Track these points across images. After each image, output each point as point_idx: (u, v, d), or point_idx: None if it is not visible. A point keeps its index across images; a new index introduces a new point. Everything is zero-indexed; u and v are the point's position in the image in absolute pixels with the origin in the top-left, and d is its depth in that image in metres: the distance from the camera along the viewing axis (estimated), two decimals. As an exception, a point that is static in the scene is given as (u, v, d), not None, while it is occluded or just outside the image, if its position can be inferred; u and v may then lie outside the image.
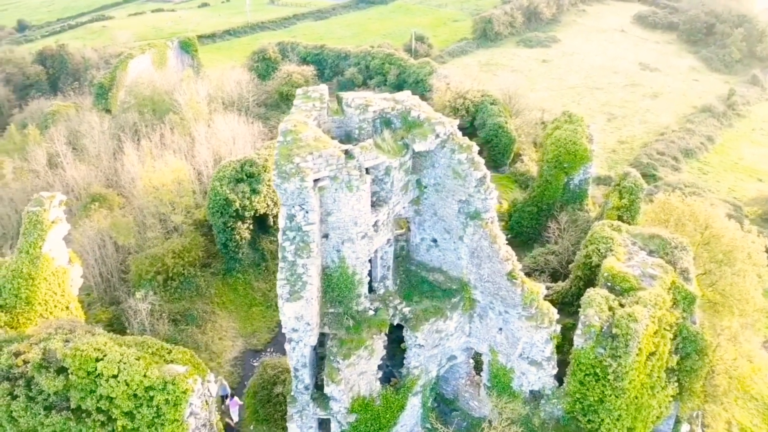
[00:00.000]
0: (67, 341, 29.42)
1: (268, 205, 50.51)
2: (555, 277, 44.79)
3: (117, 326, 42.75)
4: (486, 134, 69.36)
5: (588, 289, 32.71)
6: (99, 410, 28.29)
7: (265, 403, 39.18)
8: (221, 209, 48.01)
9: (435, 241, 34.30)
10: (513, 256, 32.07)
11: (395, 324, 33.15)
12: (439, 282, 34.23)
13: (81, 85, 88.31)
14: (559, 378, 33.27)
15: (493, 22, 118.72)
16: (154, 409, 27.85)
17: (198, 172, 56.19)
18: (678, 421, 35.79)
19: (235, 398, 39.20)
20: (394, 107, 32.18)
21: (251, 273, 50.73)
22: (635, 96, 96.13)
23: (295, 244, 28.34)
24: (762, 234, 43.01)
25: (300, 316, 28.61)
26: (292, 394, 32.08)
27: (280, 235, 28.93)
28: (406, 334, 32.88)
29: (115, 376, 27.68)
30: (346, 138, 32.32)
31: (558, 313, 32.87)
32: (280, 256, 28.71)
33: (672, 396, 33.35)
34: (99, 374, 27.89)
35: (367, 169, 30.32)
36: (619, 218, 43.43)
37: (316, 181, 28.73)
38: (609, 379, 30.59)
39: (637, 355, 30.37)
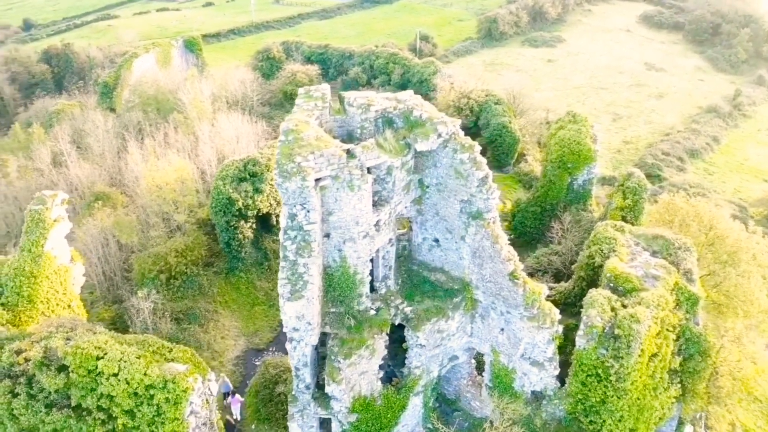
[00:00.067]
0: (68, 339, 29.48)
1: (271, 205, 50.47)
2: (558, 277, 44.64)
3: (120, 325, 42.80)
4: (490, 134, 69.20)
5: (590, 290, 32.56)
6: (99, 408, 28.32)
7: (266, 403, 39.18)
8: (224, 208, 48.02)
9: (437, 240, 34.22)
10: (515, 257, 31.95)
11: (397, 324, 33.08)
12: (441, 282, 34.15)
13: (86, 84, 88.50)
14: (562, 379, 33.15)
15: (498, 21, 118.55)
16: (155, 407, 27.85)
17: (201, 171, 56.22)
18: (681, 423, 35.61)
19: (237, 395, 39.21)
20: (396, 107, 32.11)
21: (254, 272, 50.72)
22: (640, 96, 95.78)
23: (296, 244, 28.31)
24: (767, 235, 42.76)
25: (301, 315, 28.57)
26: (293, 393, 32.08)
27: (281, 234, 28.91)
28: (408, 333, 32.82)
29: (115, 375, 27.69)
30: (348, 137, 32.25)
31: (561, 313, 32.76)
32: (281, 255, 28.68)
33: (675, 397, 33.17)
34: (99, 372, 27.91)
35: (368, 169, 30.26)
36: (623, 219, 43.24)
37: (317, 180, 28.67)
38: (611, 380, 30.45)
39: (639, 356, 30.23)
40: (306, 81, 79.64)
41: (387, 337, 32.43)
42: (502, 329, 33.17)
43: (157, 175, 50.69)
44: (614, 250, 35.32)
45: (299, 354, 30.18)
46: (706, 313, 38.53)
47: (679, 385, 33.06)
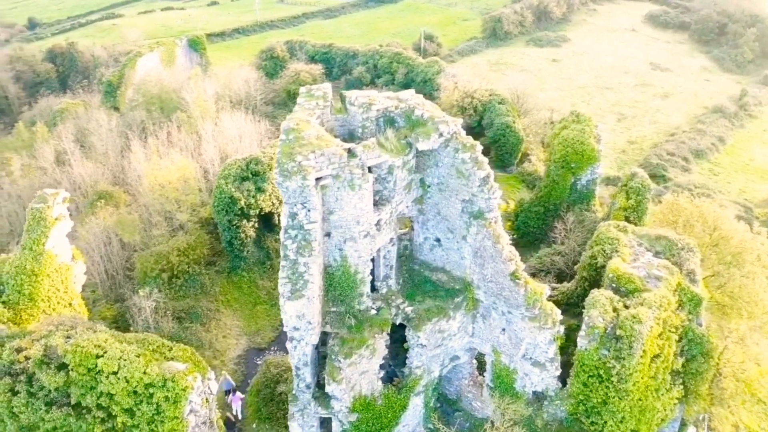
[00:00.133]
0: (68, 338, 29.47)
1: (273, 204, 50.43)
2: (561, 277, 44.47)
3: (122, 323, 42.83)
4: (494, 134, 68.96)
5: (592, 290, 32.41)
6: (99, 407, 28.29)
7: (268, 402, 39.13)
8: (226, 207, 48.00)
9: (438, 240, 34.10)
10: (516, 256, 31.82)
11: (398, 323, 32.98)
12: (442, 282, 34.05)
13: (90, 83, 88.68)
14: (563, 379, 32.99)
15: (502, 21, 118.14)
16: (154, 406, 27.81)
17: (204, 170, 56.18)
18: (684, 424, 35.43)
19: (238, 393, 39.16)
20: (397, 106, 32.04)
21: (256, 271, 50.68)
22: (646, 96, 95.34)
23: (297, 243, 28.27)
24: (772, 236, 42.51)
25: (301, 314, 28.51)
26: (294, 392, 32.04)
27: (282, 233, 28.88)
28: (409, 333, 32.71)
29: (115, 373, 27.66)
30: (350, 137, 32.19)
31: (563, 314, 32.67)
32: (281, 254, 28.67)
33: (677, 398, 32.99)
34: (99, 371, 27.89)
35: (369, 168, 30.19)
36: (626, 219, 43.03)
37: (318, 179, 28.62)
38: (612, 381, 30.29)
39: (641, 357, 30.07)
40: (309, 80, 79.62)
41: (388, 337, 32.34)
42: (504, 329, 33.04)
43: (160, 173, 50.70)
44: (617, 251, 35.14)
45: (299, 353, 30.12)
46: (710, 314, 38.29)
47: (681, 387, 32.87)
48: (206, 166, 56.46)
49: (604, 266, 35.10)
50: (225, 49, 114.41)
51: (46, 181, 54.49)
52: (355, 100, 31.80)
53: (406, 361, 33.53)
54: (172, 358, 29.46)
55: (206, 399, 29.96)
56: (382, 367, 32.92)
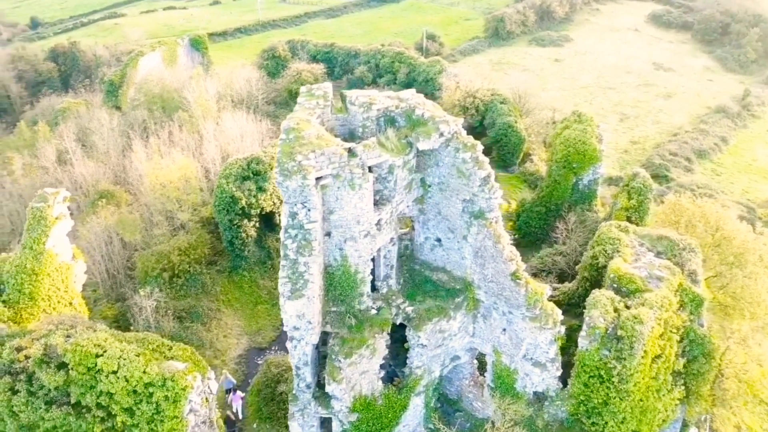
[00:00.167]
0: (68, 337, 29.46)
1: (274, 203, 50.39)
2: (562, 278, 44.33)
3: (123, 323, 42.82)
4: (495, 133, 68.87)
5: (593, 291, 32.30)
6: (99, 406, 28.27)
7: (268, 401, 39.10)
8: (227, 207, 47.97)
9: (439, 240, 34.01)
10: (517, 256, 31.71)
11: (398, 323, 32.89)
12: (443, 281, 33.95)
13: (92, 82, 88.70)
14: (564, 380, 32.88)
15: (505, 20, 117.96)
16: (154, 405, 27.77)
17: (205, 170, 56.17)
18: (685, 425, 35.28)
19: (238, 392, 39.11)
20: (398, 105, 31.94)
21: (257, 271, 50.66)
22: (648, 96, 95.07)
23: (297, 242, 28.21)
24: (774, 236, 42.31)
25: (301, 314, 28.45)
26: (294, 392, 31.99)
27: (282, 232, 28.82)
28: (409, 333, 32.63)
29: (114, 372, 27.63)
30: (350, 136, 32.11)
31: (564, 314, 32.54)
32: (281, 253, 28.60)
33: (678, 399, 32.87)
34: (99, 370, 27.86)
35: (370, 168, 30.12)
36: (628, 219, 42.89)
37: (318, 178, 28.54)
38: (613, 382, 30.18)
39: (642, 357, 29.95)
40: (311, 80, 79.56)
41: (388, 337, 32.27)
42: (504, 329, 32.94)
43: (161, 173, 50.67)
44: (618, 251, 35.02)
45: (300, 353, 30.07)
46: (712, 315, 38.13)
47: (682, 387, 32.75)
48: (207, 165, 56.45)
49: (605, 266, 34.98)
50: (227, 48, 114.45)
51: (47, 181, 54.49)
52: (356, 100, 31.73)
53: (407, 361, 33.45)
54: (171, 358, 29.43)
55: (206, 398, 29.92)
56: (382, 367, 32.86)
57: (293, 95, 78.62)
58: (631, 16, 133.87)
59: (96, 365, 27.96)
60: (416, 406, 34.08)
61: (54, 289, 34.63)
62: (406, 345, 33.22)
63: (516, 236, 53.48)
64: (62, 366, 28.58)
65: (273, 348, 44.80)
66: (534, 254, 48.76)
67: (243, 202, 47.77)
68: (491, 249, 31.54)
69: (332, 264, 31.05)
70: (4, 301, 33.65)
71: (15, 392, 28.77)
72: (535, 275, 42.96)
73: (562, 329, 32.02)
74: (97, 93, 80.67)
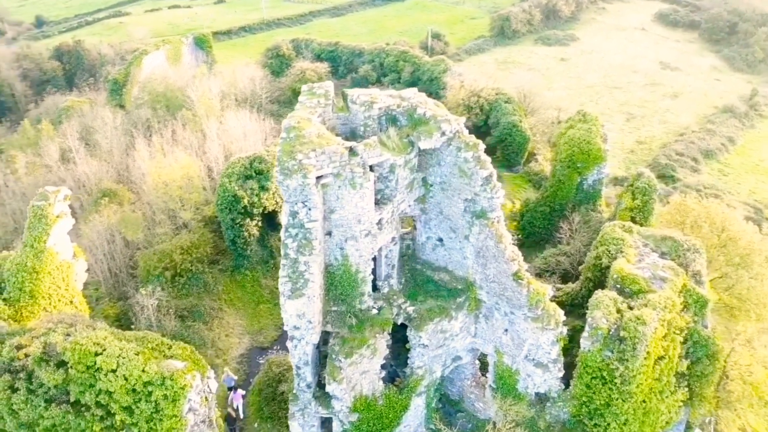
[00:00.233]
0: (67, 335, 29.36)
1: (276, 202, 50.22)
2: (566, 278, 44.01)
3: (124, 321, 42.75)
4: (500, 133, 68.59)
5: (596, 291, 32.01)
6: (98, 404, 28.15)
7: (269, 401, 38.98)
8: (230, 206, 47.86)
9: (441, 240, 33.78)
10: (519, 256, 31.45)
11: (399, 323, 32.69)
12: (445, 281, 33.72)
13: (96, 80, 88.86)
14: (567, 381, 32.61)
15: (510, 19, 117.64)
16: (153, 404, 27.65)
17: (208, 169, 56.14)
18: (689, 427, 34.95)
19: (239, 390, 38.98)
20: (400, 104, 31.72)
21: (259, 270, 50.54)
22: (655, 95, 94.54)
23: (297, 241, 28.04)
24: (781, 237, 41.95)
25: (302, 313, 28.26)
26: (294, 392, 31.84)
27: (282, 232, 28.66)
28: (410, 333, 32.42)
29: (113, 371, 27.51)
30: (351, 135, 31.93)
31: (568, 315, 32.24)
32: (282, 253, 28.41)
33: (682, 401, 32.49)
34: (98, 368, 27.74)
35: (371, 167, 29.94)
36: (632, 219, 42.54)
37: (319, 177, 28.39)
38: (616, 383, 29.88)
39: (645, 358, 29.63)
40: (315, 79, 79.42)
41: (389, 337, 32.07)
42: (506, 330, 32.70)
43: (164, 172, 50.64)
44: (621, 251, 34.69)
45: (300, 352, 29.91)
46: (718, 316, 37.84)
47: (686, 389, 32.37)
48: (210, 164, 56.41)
49: (608, 267, 34.67)
50: (231, 47, 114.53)
51: (50, 179, 54.53)
52: (357, 99, 31.54)
53: (408, 362, 33.24)
54: (171, 357, 29.32)
55: (205, 397, 29.80)
56: (383, 367, 32.67)
57: (297, 94, 77.72)
58: (638, 15, 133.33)
59: (95, 364, 27.84)
60: (417, 406, 33.88)
61: (54, 287, 34.58)
62: (407, 345, 33.02)
63: (520, 236, 53.23)
64: (62, 364, 28.50)
65: (275, 347, 44.64)
66: (538, 254, 48.42)
67: (245, 201, 47.66)
68: (493, 249, 31.29)
69: (333, 263, 30.88)
70: (4, 299, 33.63)
71: (14, 390, 28.70)
72: (538, 275, 42.71)
73: (564, 330, 31.74)
74: (101, 91, 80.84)
